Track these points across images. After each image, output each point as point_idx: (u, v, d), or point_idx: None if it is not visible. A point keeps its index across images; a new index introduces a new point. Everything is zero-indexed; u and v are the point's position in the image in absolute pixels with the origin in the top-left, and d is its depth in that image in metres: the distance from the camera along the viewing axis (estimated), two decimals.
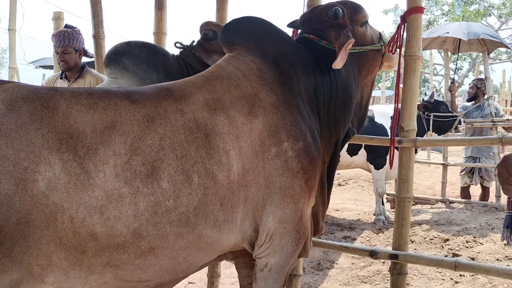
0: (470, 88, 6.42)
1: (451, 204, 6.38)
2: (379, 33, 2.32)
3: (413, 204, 6.60)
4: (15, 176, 1.31)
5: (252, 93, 1.80)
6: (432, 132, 5.36)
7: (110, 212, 1.41)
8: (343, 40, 1.99)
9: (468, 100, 6.45)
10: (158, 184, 1.49)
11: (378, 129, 5.29)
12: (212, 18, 2.80)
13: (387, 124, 5.35)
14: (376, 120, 5.36)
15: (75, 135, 1.43)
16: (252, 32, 1.99)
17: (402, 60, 2.28)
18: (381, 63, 2.29)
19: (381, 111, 5.49)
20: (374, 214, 5.83)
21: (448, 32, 6.32)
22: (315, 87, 2.01)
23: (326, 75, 2.04)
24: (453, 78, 6.50)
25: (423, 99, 5.65)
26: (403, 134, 2.28)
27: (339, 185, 8.87)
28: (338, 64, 1.94)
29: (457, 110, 6.09)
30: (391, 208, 6.60)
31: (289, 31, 2.33)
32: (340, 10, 2.07)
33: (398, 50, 2.28)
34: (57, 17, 3.95)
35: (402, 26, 2.28)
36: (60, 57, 3.25)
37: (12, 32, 5.25)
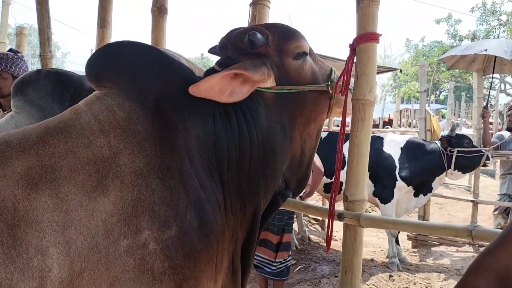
0: (508, 115, 5.56)
1: (480, 248, 5.54)
2: (330, 69, 1.75)
3: (436, 245, 5.90)
4: None
5: (109, 156, 1.28)
6: (455, 170, 4.62)
7: None
8: (235, 66, 1.46)
9: (509, 129, 5.57)
10: None
11: (385, 160, 4.64)
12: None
13: (395, 155, 4.67)
14: (384, 149, 4.69)
15: None
16: (129, 63, 1.45)
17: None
18: (330, 108, 1.72)
19: (391, 140, 4.81)
20: (387, 257, 5.13)
21: (486, 50, 5.48)
22: (215, 141, 1.47)
23: (234, 124, 1.50)
24: (486, 102, 5.63)
25: (443, 135, 4.94)
26: (346, 205, 1.67)
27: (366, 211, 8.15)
28: (198, 90, 1.42)
29: (490, 141, 5.27)
30: (412, 248, 5.85)
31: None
32: (259, 36, 1.53)
33: (350, 88, 1.69)
34: (19, 32, 3.61)
35: (352, 58, 1.68)
36: None
37: None
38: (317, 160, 3.84)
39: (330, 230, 1.60)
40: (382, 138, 4.84)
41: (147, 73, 1.45)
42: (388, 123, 17.63)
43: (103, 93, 1.42)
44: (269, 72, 1.53)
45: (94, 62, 1.46)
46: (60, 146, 1.27)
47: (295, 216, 5.74)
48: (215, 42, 1.76)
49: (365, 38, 1.60)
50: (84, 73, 1.51)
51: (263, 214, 1.67)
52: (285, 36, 1.61)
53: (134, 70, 1.44)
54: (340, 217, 1.60)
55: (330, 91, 1.68)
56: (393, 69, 8.34)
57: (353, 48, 1.68)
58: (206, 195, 1.39)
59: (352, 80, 1.72)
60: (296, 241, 5.87)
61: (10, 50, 3.01)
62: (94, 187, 1.23)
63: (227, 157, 1.49)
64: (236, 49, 1.61)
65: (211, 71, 1.63)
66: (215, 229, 1.38)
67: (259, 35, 1.53)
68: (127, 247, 1.22)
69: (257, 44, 1.54)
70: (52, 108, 2.18)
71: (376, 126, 16.69)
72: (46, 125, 1.34)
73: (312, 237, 6.36)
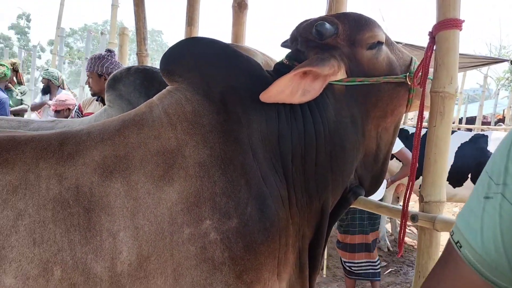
0: None
1: None
2: (411, 58, 1.64)
3: None
4: None
5: (175, 148, 1.35)
6: None
7: None
8: (302, 64, 1.42)
9: None
10: (0, 280, 1.17)
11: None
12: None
13: None
14: (489, 148, 4.27)
15: None
16: (197, 59, 1.50)
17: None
18: (409, 100, 1.61)
19: (498, 138, 4.36)
20: None
21: None
22: (279, 136, 1.46)
23: (299, 119, 1.48)
24: None
25: None
26: (422, 206, 1.55)
27: None
28: (269, 96, 1.39)
29: None
30: None
31: None
32: (328, 26, 1.49)
33: (428, 80, 1.56)
34: (121, 32, 3.93)
35: (432, 47, 1.55)
36: (87, 81, 3.24)
37: None
38: (407, 152, 3.64)
39: (403, 232, 1.49)
40: (487, 136, 4.41)
41: (214, 68, 1.48)
42: (502, 120, 16.03)
43: (174, 88, 1.49)
44: (339, 64, 1.48)
45: (166, 59, 1.53)
46: (133, 137, 1.36)
47: (385, 216, 5.52)
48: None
49: (446, 25, 1.46)
50: None
51: (332, 211, 1.63)
52: (357, 25, 1.54)
53: (202, 65, 1.48)
54: (414, 218, 1.49)
55: (409, 83, 1.58)
56: (501, 60, 7.54)
57: (433, 36, 1.55)
58: (269, 189, 1.39)
59: (431, 70, 1.59)
60: (388, 242, 5.63)
61: (107, 50, 3.34)
62: (161, 176, 1.30)
63: (291, 151, 1.47)
64: (305, 41, 1.57)
65: (280, 65, 1.62)
66: (276, 223, 1.37)
67: (327, 25, 1.49)
68: (190, 235, 1.27)
69: (326, 35, 1.49)
70: (139, 102, 2.33)
71: (487, 123, 15.32)
72: (124, 117, 1.45)
73: (406, 239, 6.05)
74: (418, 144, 1.55)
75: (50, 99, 5.84)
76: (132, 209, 1.27)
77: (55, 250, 1.20)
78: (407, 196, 1.53)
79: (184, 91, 1.45)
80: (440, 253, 0.78)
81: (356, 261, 3.78)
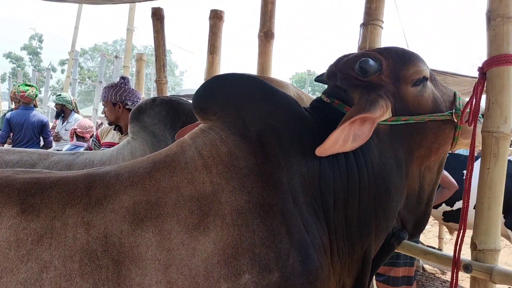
0: None
1: None
2: (454, 93, 1.55)
3: None
4: None
5: (211, 193, 1.25)
6: None
7: None
8: (352, 111, 1.32)
9: None
10: None
11: None
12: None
13: None
14: None
15: None
16: (233, 96, 1.42)
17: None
18: (454, 138, 1.52)
19: None
20: None
21: None
22: (321, 178, 1.36)
23: (342, 160, 1.38)
24: None
25: None
26: (474, 255, 1.43)
27: None
28: (325, 149, 1.29)
29: None
30: None
31: None
32: (372, 64, 1.40)
33: (477, 119, 1.47)
34: (138, 58, 3.90)
35: (482, 83, 1.46)
36: (103, 111, 3.20)
37: None
38: (447, 174, 3.53)
39: (455, 283, 1.37)
40: None
41: (250, 106, 1.39)
42: None
43: (207, 127, 1.40)
44: (387, 104, 1.39)
45: (199, 96, 1.45)
46: (165, 181, 1.27)
47: None
48: (322, 59, 1.68)
49: (499, 61, 1.37)
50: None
51: (374, 258, 1.51)
52: (401, 61, 1.46)
53: (238, 103, 1.40)
54: (467, 268, 1.37)
55: (455, 120, 1.48)
56: None
57: (483, 72, 1.46)
58: (311, 237, 1.29)
59: (482, 106, 1.49)
60: (422, 262, 5.49)
61: (121, 77, 3.30)
62: (196, 225, 1.21)
63: (333, 196, 1.37)
64: (346, 78, 1.49)
65: (319, 102, 1.53)
66: (320, 275, 1.27)
67: (371, 62, 1.40)
68: None
69: (370, 72, 1.41)
70: (164, 134, 2.27)
71: None
72: (154, 158, 1.36)
73: (426, 267, 5.88)
74: (470, 188, 1.45)
75: (63, 123, 5.88)
76: (164, 262, 1.17)
77: None
78: (458, 243, 1.42)
79: (219, 131, 1.36)
80: None
81: None
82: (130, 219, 1.20)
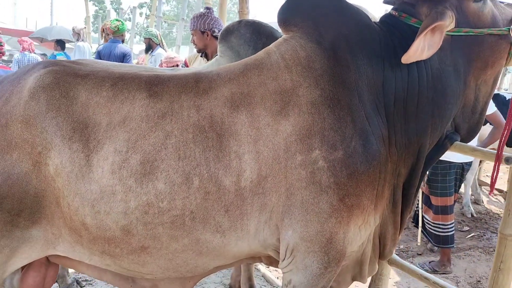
0: None
1: None
2: None
3: None
4: (32, 158, 1.49)
5: (291, 88, 1.57)
6: None
7: (101, 206, 1.48)
8: (428, 21, 1.52)
9: None
10: (153, 185, 1.48)
11: None
12: None
13: None
14: None
15: (91, 126, 1.51)
16: (311, 9, 1.69)
17: None
18: (510, 53, 1.67)
19: None
20: None
21: None
22: (384, 80, 1.62)
23: (403, 66, 1.61)
24: None
25: None
26: None
27: None
28: (411, 56, 1.50)
29: None
30: None
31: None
32: None
33: None
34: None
35: None
36: (192, 40, 3.51)
37: None
38: (500, 116, 3.58)
39: (496, 173, 1.60)
40: None
41: (326, 18, 1.66)
42: None
43: (289, 36, 1.69)
44: (452, 15, 1.57)
45: (283, 10, 1.74)
46: (254, 78, 1.60)
47: (469, 183, 5.44)
48: None
49: None
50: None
51: (429, 155, 1.76)
52: None
53: (315, 16, 1.67)
54: (508, 160, 1.59)
55: (511, 36, 1.63)
56: None
57: None
58: (371, 128, 1.56)
59: None
60: (472, 209, 5.56)
61: (206, 8, 3.60)
62: (278, 111, 1.53)
63: (394, 95, 1.62)
64: None
65: (387, 17, 1.74)
66: (377, 157, 1.55)
67: None
68: (301, 161, 1.50)
69: None
70: (247, 53, 2.54)
71: None
72: (246, 61, 1.69)
73: (492, 207, 5.91)
74: None
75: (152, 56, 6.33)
76: (254, 137, 1.51)
77: (195, 165, 1.49)
78: (502, 140, 1.62)
79: (299, 39, 1.65)
80: None
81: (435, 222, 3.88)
82: (229, 104, 1.55)
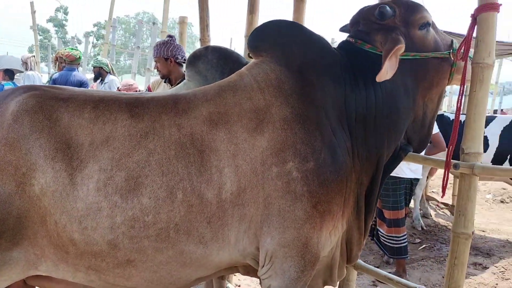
0: None
1: None
2: (451, 40, 1.95)
3: None
4: (16, 179, 1.52)
5: (264, 107, 1.72)
6: None
7: (88, 222, 1.54)
8: (390, 45, 1.72)
9: None
10: (138, 200, 1.56)
11: None
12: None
13: None
14: None
15: (73, 146, 1.57)
16: (278, 37, 1.87)
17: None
18: (451, 74, 1.92)
19: None
20: None
21: None
22: (346, 100, 1.81)
23: (361, 86, 1.81)
24: None
25: None
26: (463, 157, 1.87)
27: (502, 202, 7.69)
28: (383, 75, 1.68)
29: None
30: None
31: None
32: (388, 9, 1.81)
33: (469, 56, 1.87)
34: (181, 21, 4.33)
35: (473, 26, 1.86)
36: (155, 66, 3.65)
37: None
38: (440, 137, 3.94)
39: (446, 178, 1.82)
40: None
41: (292, 44, 1.85)
42: None
43: (260, 61, 1.86)
44: (403, 41, 1.79)
45: (253, 37, 1.91)
46: (230, 98, 1.74)
47: (418, 197, 5.80)
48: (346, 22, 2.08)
49: (486, 7, 1.77)
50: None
51: (386, 165, 1.96)
52: (410, 8, 1.87)
53: (282, 42, 1.85)
54: (456, 166, 1.82)
55: (452, 58, 1.88)
56: None
57: (474, 17, 1.86)
58: (338, 141, 1.74)
59: (472, 50, 1.89)
60: (422, 222, 5.90)
61: (169, 36, 3.74)
62: (254, 128, 1.68)
63: (355, 112, 1.81)
64: (367, 23, 1.91)
65: (345, 43, 1.95)
66: (344, 167, 1.72)
67: (388, 8, 1.81)
68: (277, 173, 1.64)
69: (387, 15, 1.81)
70: (215, 78, 2.68)
71: None
72: (220, 84, 1.83)
73: (440, 220, 6.30)
74: (461, 106, 1.87)
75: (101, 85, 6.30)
76: (233, 152, 1.65)
77: (178, 179, 1.59)
78: (450, 150, 1.86)
79: (269, 63, 1.82)
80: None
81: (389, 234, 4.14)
82: (208, 123, 1.67)
